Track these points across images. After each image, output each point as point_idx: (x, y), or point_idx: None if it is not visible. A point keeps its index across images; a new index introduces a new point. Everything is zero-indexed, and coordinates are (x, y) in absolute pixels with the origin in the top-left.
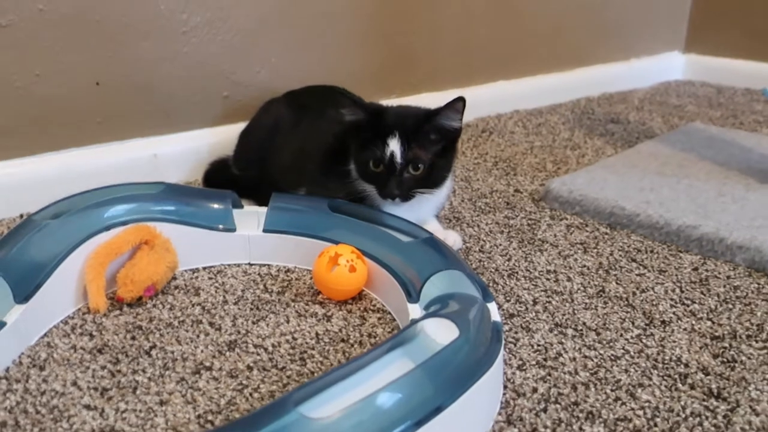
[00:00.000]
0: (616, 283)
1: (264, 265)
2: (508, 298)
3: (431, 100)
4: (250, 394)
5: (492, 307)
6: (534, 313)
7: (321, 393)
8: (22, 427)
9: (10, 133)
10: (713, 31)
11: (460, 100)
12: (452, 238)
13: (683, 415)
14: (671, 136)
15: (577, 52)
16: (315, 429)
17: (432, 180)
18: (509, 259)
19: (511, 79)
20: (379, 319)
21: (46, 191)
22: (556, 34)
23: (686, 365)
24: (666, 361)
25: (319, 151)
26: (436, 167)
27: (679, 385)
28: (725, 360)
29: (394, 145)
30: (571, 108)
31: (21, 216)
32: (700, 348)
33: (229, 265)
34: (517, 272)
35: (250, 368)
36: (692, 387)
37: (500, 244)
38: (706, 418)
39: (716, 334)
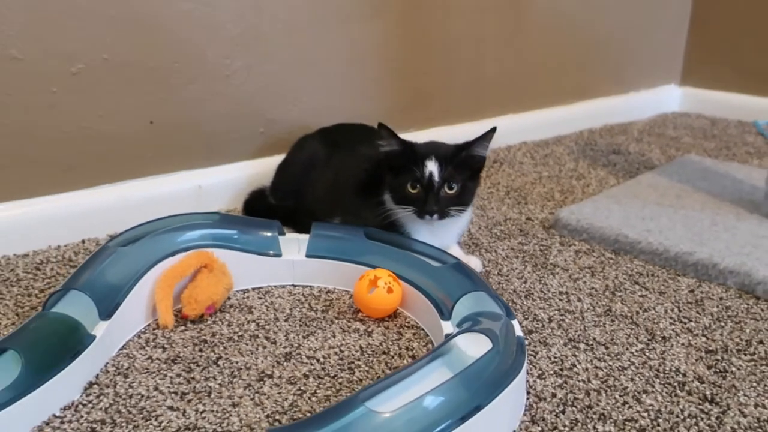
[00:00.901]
0: (622, 303)
1: (306, 286)
2: (526, 317)
3: (446, 133)
4: (309, 398)
5: (515, 323)
6: (550, 330)
7: (381, 393)
8: (119, 425)
9: (75, 167)
10: (708, 65)
11: (493, 131)
12: (474, 263)
13: (681, 417)
14: (669, 168)
15: (580, 87)
16: (379, 421)
17: (463, 199)
18: (525, 282)
19: (519, 112)
20: (414, 334)
21: (105, 219)
22: (560, 71)
23: (684, 375)
24: (666, 371)
25: (353, 184)
26: (467, 189)
27: (678, 391)
28: (718, 370)
29: (431, 166)
30: (575, 139)
31: (83, 241)
32: (696, 360)
33: (275, 286)
34: (533, 293)
35: (306, 376)
36: (689, 393)
37: (516, 268)
38: (701, 419)
39: (710, 348)
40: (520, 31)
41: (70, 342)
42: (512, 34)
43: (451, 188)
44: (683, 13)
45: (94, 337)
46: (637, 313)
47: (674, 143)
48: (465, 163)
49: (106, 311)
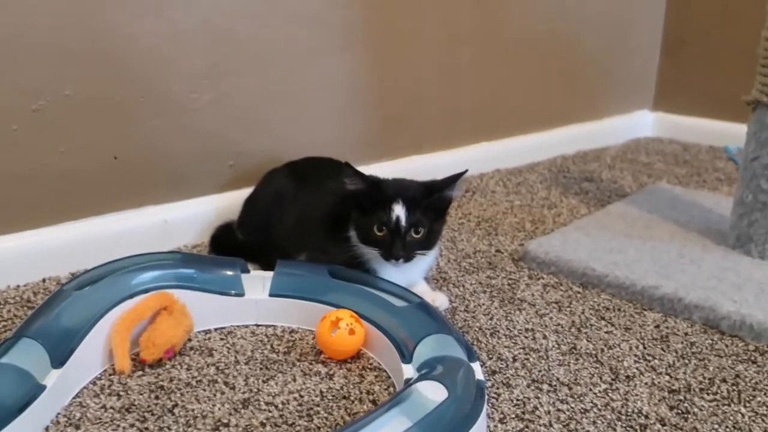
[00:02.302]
0: (587, 341)
1: (270, 326)
2: (490, 356)
3: (419, 163)
4: None
5: (476, 366)
6: (513, 370)
7: None
8: None
9: (36, 204)
10: (679, 91)
11: (464, 173)
12: (440, 300)
13: None
14: (639, 197)
15: (553, 113)
16: None
17: (429, 242)
18: (491, 318)
19: (492, 140)
20: (376, 376)
21: (68, 257)
22: (533, 97)
23: (646, 417)
24: (629, 413)
25: (320, 219)
26: (433, 231)
27: None
28: (680, 411)
29: (399, 210)
30: (548, 166)
31: (43, 280)
32: (659, 401)
33: (238, 326)
34: (498, 331)
35: (263, 424)
36: None
37: (483, 304)
38: None
39: (673, 387)
40: (493, 59)
41: (17, 395)
42: (485, 62)
43: (417, 232)
44: (655, 40)
45: (44, 387)
46: (602, 350)
47: (646, 169)
48: (432, 206)
49: (59, 359)
